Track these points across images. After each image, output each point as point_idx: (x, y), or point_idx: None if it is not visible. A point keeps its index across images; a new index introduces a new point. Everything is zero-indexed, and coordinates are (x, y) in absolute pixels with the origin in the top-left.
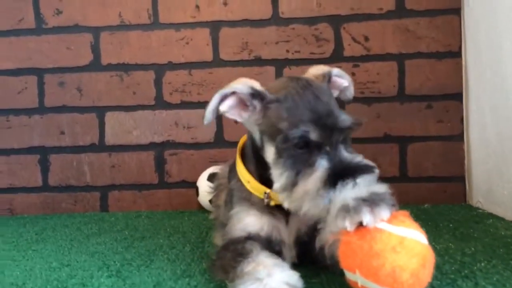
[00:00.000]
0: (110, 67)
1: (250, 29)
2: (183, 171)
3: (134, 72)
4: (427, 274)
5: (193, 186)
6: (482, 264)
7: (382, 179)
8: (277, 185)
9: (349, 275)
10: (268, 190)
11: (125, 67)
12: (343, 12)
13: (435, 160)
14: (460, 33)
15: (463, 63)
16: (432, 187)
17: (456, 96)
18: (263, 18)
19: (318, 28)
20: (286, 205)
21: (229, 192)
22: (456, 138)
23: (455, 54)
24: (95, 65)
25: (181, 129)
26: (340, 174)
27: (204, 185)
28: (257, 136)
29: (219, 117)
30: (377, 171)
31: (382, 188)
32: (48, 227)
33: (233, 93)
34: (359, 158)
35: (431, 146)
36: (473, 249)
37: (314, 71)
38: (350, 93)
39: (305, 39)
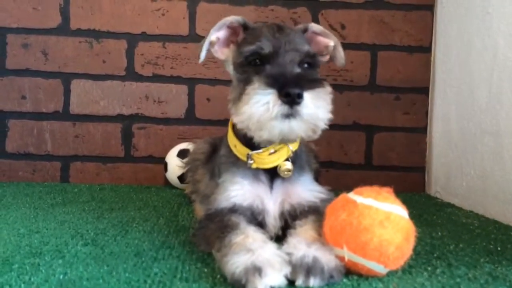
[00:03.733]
0: (79, 33)
1: (229, 6)
2: (150, 145)
3: (105, 40)
4: (409, 247)
5: (161, 161)
6: (451, 247)
7: (347, 165)
8: (230, 102)
9: (336, 251)
10: (250, 152)
11: (95, 34)
12: None
13: (399, 150)
14: (432, 29)
15: (432, 58)
16: (394, 176)
17: (423, 90)
18: None
19: (297, 12)
20: (235, 120)
21: (218, 160)
22: (420, 130)
23: (426, 49)
24: (63, 29)
25: (151, 103)
26: (282, 78)
27: (174, 161)
28: (232, 74)
29: (190, 93)
30: (328, 86)
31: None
32: (7, 194)
33: (228, 27)
34: (311, 74)
35: (396, 137)
36: (439, 233)
37: (297, 26)
38: (340, 56)
39: (283, 21)
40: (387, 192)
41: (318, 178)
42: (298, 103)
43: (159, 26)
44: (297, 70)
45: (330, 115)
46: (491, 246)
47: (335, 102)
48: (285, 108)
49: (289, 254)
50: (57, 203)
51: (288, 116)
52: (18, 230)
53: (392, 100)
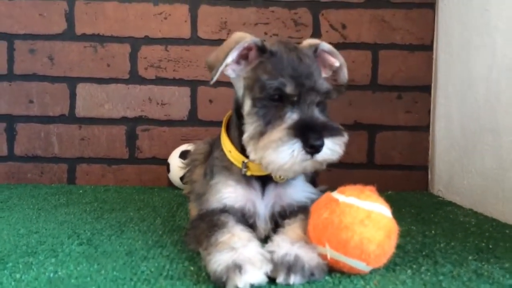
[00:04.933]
0: (84, 38)
1: (230, 8)
2: (154, 147)
3: (109, 44)
4: (392, 245)
5: (164, 163)
6: (442, 245)
7: (349, 165)
8: (246, 134)
9: (319, 249)
10: (246, 160)
11: (99, 39)
12: None
13: (401, 149)
14: (433, 27)
15: (434, 56)
16: (397, 175)
17: (425, 88)
18: None
19: (298, 13)
20: (252, 156)
21: (211, 162)
22: (422, 129)
23: (427, 47)
24: (69, 34)
25: (155, 105)
26: (306, 129)
27: (176, 162)
28: (240, 92)
29: (193, 95)
30: (346, 135)
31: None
32: (13, 196)
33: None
34: (330, 121)
35: (398, 136)
36: (433, 232)
37: (307, 42)
38: (344, 75)
39: (283, 22)
40: (370, 190)
41: (315, 178)
42: (319, 152)
43: (161, 29)
44: (318, 115)
45: (339, 157)
46: (483, 244)
47: (336, 102)
48: (307, 156)
49: (271, 252)
50: (61, 204)
51: (306, 160)
52: (18, 231)
53: (394, 98)
